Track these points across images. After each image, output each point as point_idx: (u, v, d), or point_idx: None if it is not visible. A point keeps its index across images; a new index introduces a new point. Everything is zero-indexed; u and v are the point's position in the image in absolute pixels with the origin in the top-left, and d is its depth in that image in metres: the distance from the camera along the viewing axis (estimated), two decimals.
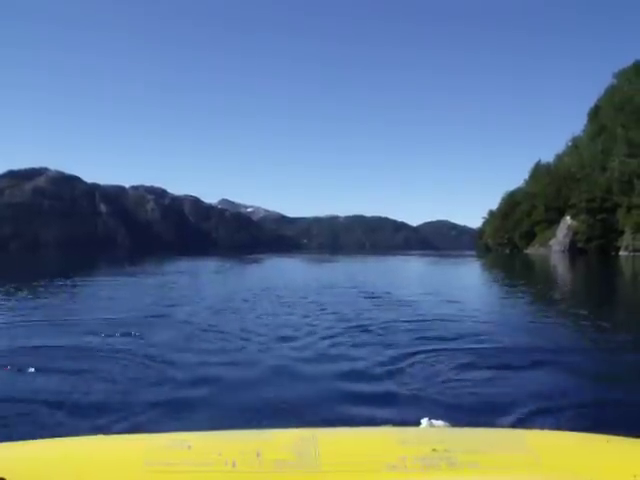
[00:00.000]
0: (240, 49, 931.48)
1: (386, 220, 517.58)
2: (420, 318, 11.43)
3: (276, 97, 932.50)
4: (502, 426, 4.32)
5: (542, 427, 2.87)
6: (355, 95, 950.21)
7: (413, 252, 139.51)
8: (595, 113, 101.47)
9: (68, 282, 22.85)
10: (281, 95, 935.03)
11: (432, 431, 2.04)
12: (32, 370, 6.47)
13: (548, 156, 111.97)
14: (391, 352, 7.71)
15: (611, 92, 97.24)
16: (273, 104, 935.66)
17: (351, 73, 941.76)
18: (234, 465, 1.37)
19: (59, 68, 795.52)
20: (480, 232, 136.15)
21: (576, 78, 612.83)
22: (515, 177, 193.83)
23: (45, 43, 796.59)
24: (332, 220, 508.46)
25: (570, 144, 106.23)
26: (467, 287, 24.28)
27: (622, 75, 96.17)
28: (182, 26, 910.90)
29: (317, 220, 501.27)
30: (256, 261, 59.05)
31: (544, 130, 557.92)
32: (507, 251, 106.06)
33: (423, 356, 7.46)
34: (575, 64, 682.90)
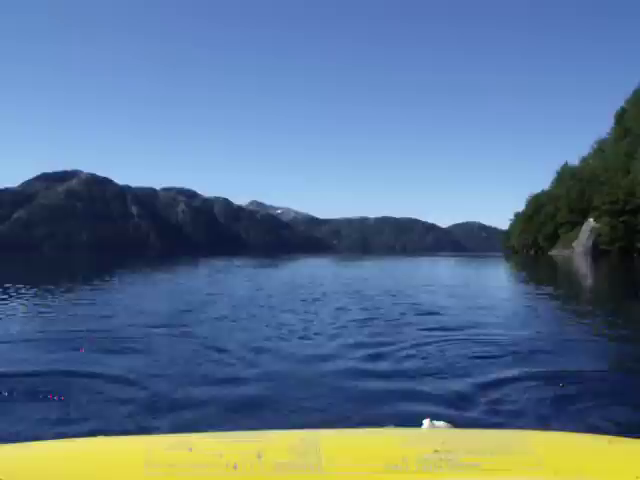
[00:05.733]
0: (269, 49, 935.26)
1: (416, 221, 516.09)
2: (430, 313, 11.63)
3: (307, 98, 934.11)
4: (504, 427, 4.28)
5: (544, 428, 2.92)
6: (386, 96, 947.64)
7: (442, 254, 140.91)
8: (621, 115, 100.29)
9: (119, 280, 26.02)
10: (312, 97, 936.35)
11: (434, 432, 2.07)
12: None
13: (578, 158, 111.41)
14: (391, 349, 7.68)
15: (637, 94, 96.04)
16: (303, 105, 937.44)
17: (380, 74, 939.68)
18: (235, 467, 1.36)
19: (89, 70, 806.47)
20: (507, 234, 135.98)
21: (610, 80, 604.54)
22: (547, 179, 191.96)
23: (82, 43, 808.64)
24: (362, 221, 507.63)
25: (595, 147, 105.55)
26: (489, 284, 26.17)
27: None
28: (211, 27, 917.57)
29: (347, 221, 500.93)
30: (292, 260, 60.65)
31: (579, 132, 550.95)
32: (532, 253, 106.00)
33: (425, 354, 7.38)
34: (609, 66, 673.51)
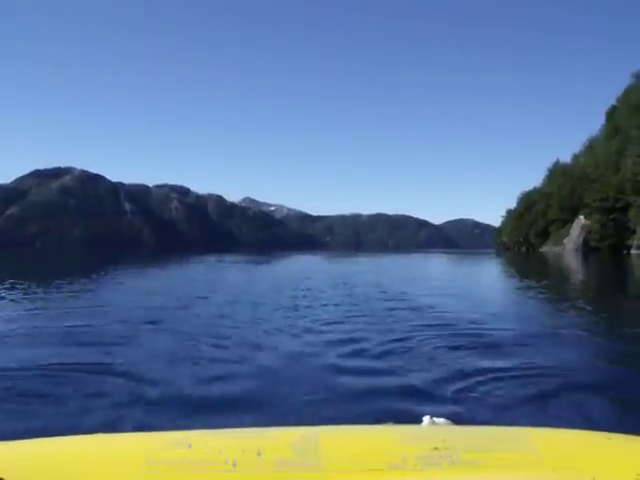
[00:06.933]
0: (266, 47, 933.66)
1: (409, 218, 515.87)
2: (430, 314, 11.61)
3: (300, 96, 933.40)
4: (503, 424, 4.26)
5: (543, 425, 2.72)
6: (379, 94, 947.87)
7: (434, 250, 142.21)
8: (612, 113, 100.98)
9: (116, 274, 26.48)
10: (306, 94, 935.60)
11: (433, 429, 2.05)
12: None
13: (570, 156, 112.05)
14: (391, 346, 7.77)
15: (628, 92, 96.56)
16: (296, 103, 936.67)
17: (373, 72, 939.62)
18: (235, 464, 1.36)
19: (81, 67, 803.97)
20: (499, 231, 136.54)
21: (605, 78, 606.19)
22: (541, 176, 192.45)
23: (74, 41, 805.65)
24: (355, 218, 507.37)
25: (586, 144, 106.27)
26: (478, 278, 27.63)
27: None
28: (207, 24, 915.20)
29: (340, 218, 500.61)
30: (285, 257, 61.55)
31: (572, 130, 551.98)
32: (523, 249, 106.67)
33: (424, 352, 7.44)
34: (603, 64, 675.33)
